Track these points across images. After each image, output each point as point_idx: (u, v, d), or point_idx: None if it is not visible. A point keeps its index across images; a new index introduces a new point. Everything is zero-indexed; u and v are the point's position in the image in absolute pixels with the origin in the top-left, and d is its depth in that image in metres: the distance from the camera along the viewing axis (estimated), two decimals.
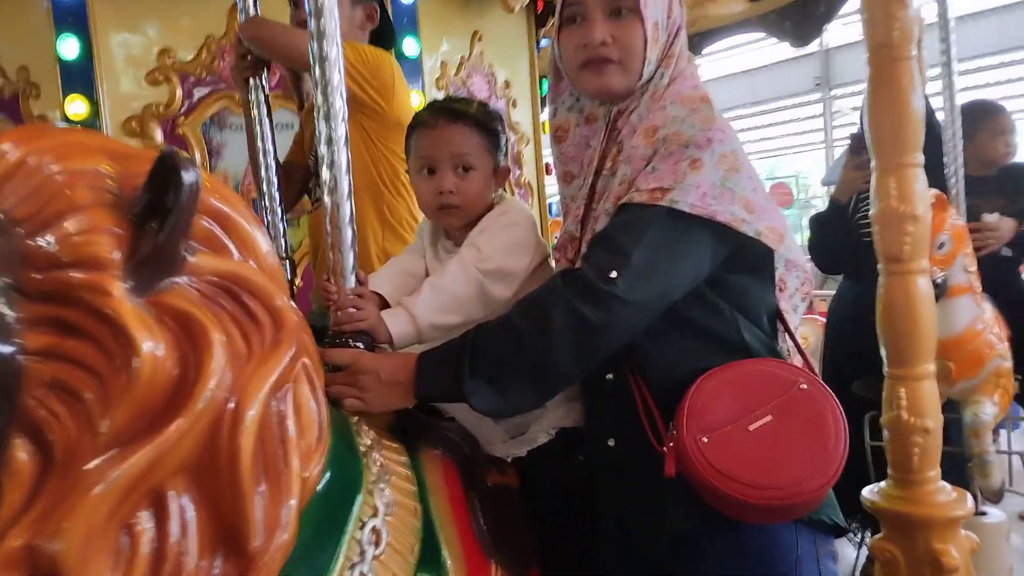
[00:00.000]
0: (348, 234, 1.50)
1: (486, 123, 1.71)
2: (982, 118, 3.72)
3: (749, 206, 1.41)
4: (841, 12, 4.53)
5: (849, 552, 3.57)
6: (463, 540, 1.40)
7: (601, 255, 1.40)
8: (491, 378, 1.37)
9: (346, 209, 1.48)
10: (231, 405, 0.96)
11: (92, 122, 3.19)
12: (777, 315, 1.60)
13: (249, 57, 2.29)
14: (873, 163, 1.55)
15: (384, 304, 1.57)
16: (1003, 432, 3.87)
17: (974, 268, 3.12)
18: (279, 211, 2.33)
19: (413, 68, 3.60)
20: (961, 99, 3.41)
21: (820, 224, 3.73)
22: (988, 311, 3.21)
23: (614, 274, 1.35)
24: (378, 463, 1.31)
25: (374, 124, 2.40)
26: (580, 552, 1.58)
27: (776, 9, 4.49)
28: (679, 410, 1.37)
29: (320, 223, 1.60)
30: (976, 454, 3.10)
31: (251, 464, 0.96)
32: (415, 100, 3.36)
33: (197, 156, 3.38)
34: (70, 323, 0.89)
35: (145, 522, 0.91)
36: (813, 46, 15.17)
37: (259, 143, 2.29)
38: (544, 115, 3.80)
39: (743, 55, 17.78)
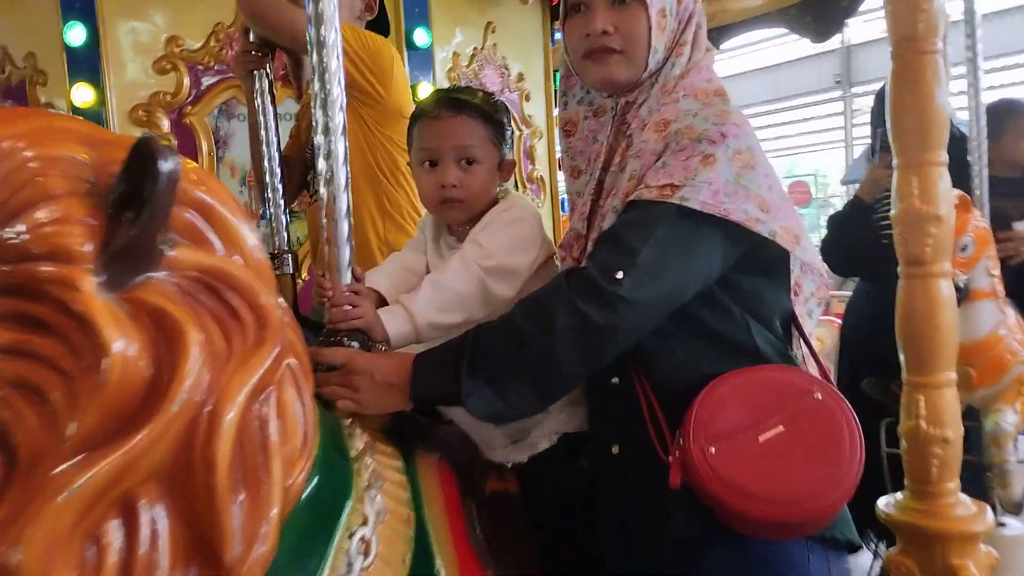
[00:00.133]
0: (344, 227, 1.44)
1: (491, 114, 1.66)
2: (1008, 117, 3.63)
3: (764, 205, 1.36)
4: (863, 8, 4.46)
5: (863, 560, 3.50)
6: (458, 549, 1.36)
7: (607, 254, 1.36)
8: (491, 380, 1.33)
9: (343, 201, 1.43)
10: (208, 408, 0.92)
11: (98, 110, 3.15)
12: (791, 320, 1.55)
13: (254, 52, 2.26)
14: (894, 161, 1.49)
15: (382, 301, 1.52)
16: None
17: (997, 272, 3.07)
18: (282, 203, 2.28)
19: (424, 59, 3.56)
20: (987, 98, 3.35)
21: (838, 223, 3.66)
22: (1011, 316, 3.14)
23: (620, 274, 1.31)
24: (370, 468, 1.26)
25: (372, 112, 2.35)
26: (580, 555, 1.54)
27: (797, 3, 4.41)
28: (686, 417, 1.33)
29: (318, 216, 1.55)
30: (996, 463, 3.05)
31: (228, 471, 0.92)
32: (426, 92, 3.32)
33: (204, 146, 3.35)
34: (38, 319, 0.86)
35: (113, 532, 0.87)
36: (834, 43, 15.07)
37: (263, 133, 2.25)
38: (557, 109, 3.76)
39: (763, 51, 17.64)
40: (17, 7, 3.27)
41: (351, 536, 1.14)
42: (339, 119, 1.42)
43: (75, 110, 3.13)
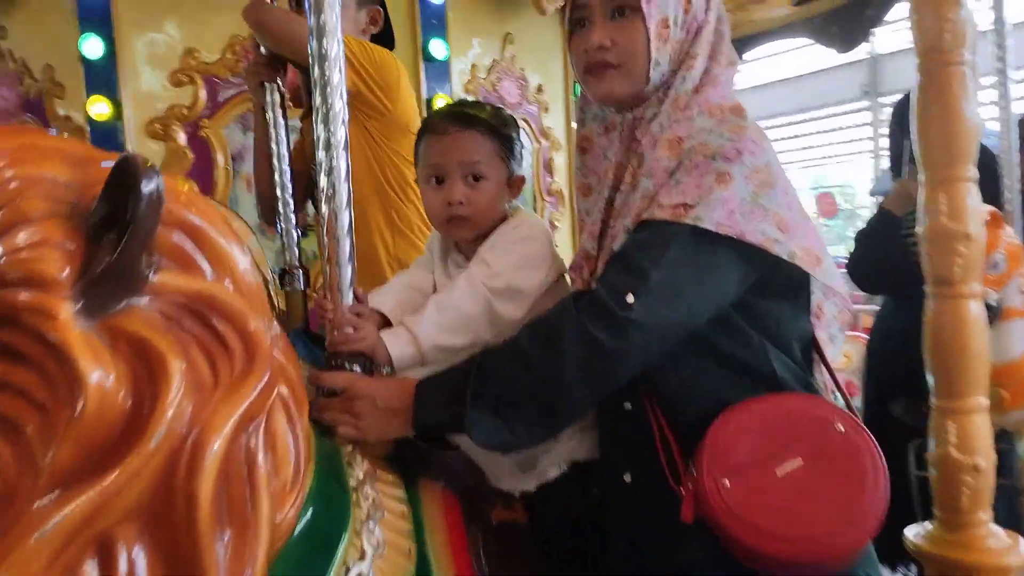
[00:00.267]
0: (347, 246, 1.39)
1: (499, 128, 1.61)
2: None
3: (783, 225, 1.30)
4: (890, 18, 4.38)
5: None
6: None
7: (617, 276, 1.31)
8: (496, 408, 1.28)
9: (344, 218, 1.38)
10: (190, 441, 0.87)
11: (115, 123, 3.14)
12: (812, 345, 1.48)
13: (265, 64, 2.24)
14: (920, 177, 1.43)
15: (386, 323, 1.47)
16: None
17: None
18: (292, 218, 2.25)
19: (440, 71, 3.52)
20: (1017, 109, 3.26)
21: (866, 236, 3.57)
22: None
23: (631, 297, 1.25)
24: (370, 499, 1.21)
25: (378, 125, 2.31)
26: None
27: (822, 13, 4.34)
28: (700, 448, 1.27)
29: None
30: None
31: (211, 507, 0.88)
32: (441, 104, 3.28)
33: (220, 159, 3.33)
34: (13, 348, 0.82)
35: (90, 572, 0.83)
36: (861, 53, 14.89)
37: (273, 147, 2.22)
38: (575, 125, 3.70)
39: (788, 61, 17.50)
40: (35, 20, 3.27)
41: (347, 572, 1.09)
42: (341, 134, 1.37)
43: (92, 123, 3.13)
